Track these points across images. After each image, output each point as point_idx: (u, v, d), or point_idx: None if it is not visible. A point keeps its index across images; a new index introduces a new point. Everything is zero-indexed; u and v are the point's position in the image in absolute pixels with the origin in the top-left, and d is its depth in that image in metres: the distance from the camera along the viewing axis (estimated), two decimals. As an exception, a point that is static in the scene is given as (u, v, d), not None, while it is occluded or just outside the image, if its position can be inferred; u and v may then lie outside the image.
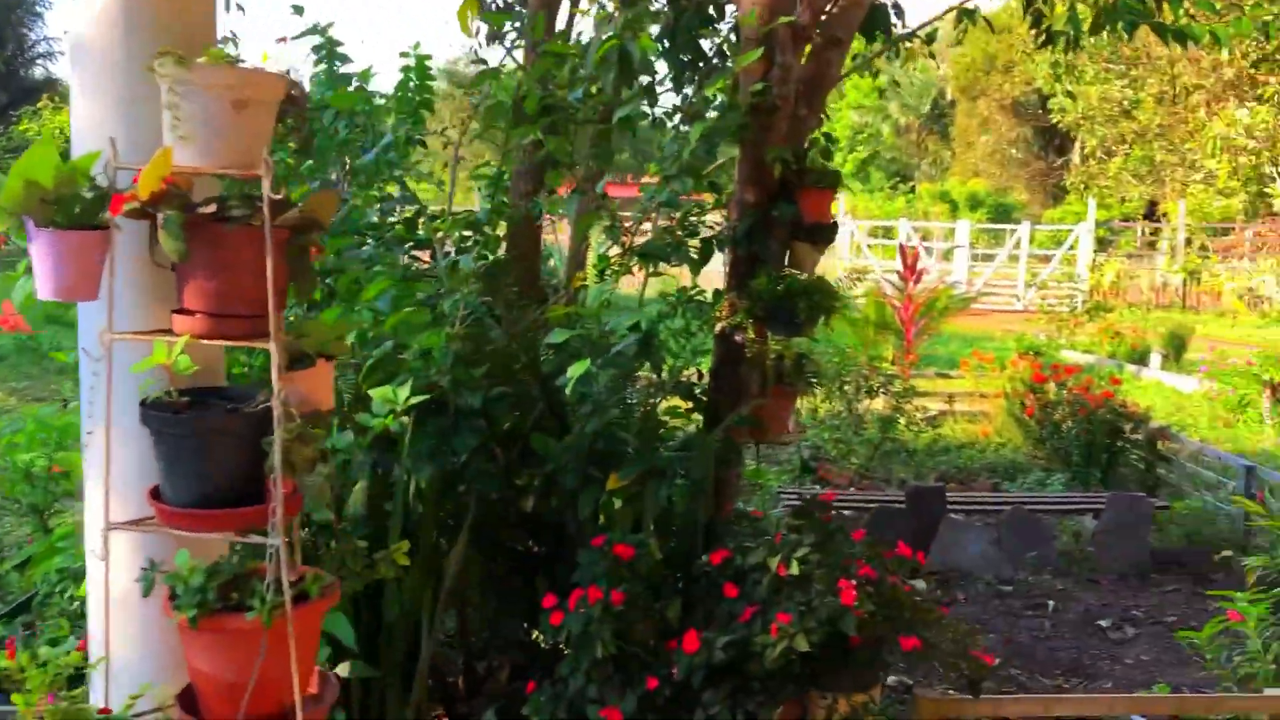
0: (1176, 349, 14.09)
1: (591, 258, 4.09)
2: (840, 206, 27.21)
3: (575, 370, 3.26)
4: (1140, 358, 14.46)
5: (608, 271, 3.83)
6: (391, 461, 3.39)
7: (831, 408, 9.24)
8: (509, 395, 3.38)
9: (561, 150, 4.10)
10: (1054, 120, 14.96)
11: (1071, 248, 23.03)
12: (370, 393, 3.07)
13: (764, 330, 4.02)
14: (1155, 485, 8.18)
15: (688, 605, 3.56)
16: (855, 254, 25.06)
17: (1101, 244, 26.03)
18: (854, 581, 3.33)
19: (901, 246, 10.92)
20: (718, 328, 4.12)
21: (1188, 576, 6.62)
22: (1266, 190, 9.89)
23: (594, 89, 4.07)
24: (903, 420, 10.24)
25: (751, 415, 4.16)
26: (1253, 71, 9.01)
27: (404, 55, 4.71)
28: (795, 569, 3.35)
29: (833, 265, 26.23)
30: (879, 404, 9.36)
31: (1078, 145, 18.17)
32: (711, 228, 4.14)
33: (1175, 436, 8.64)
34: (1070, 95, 11.06)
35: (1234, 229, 23.77)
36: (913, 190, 44.13)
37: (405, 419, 3.07)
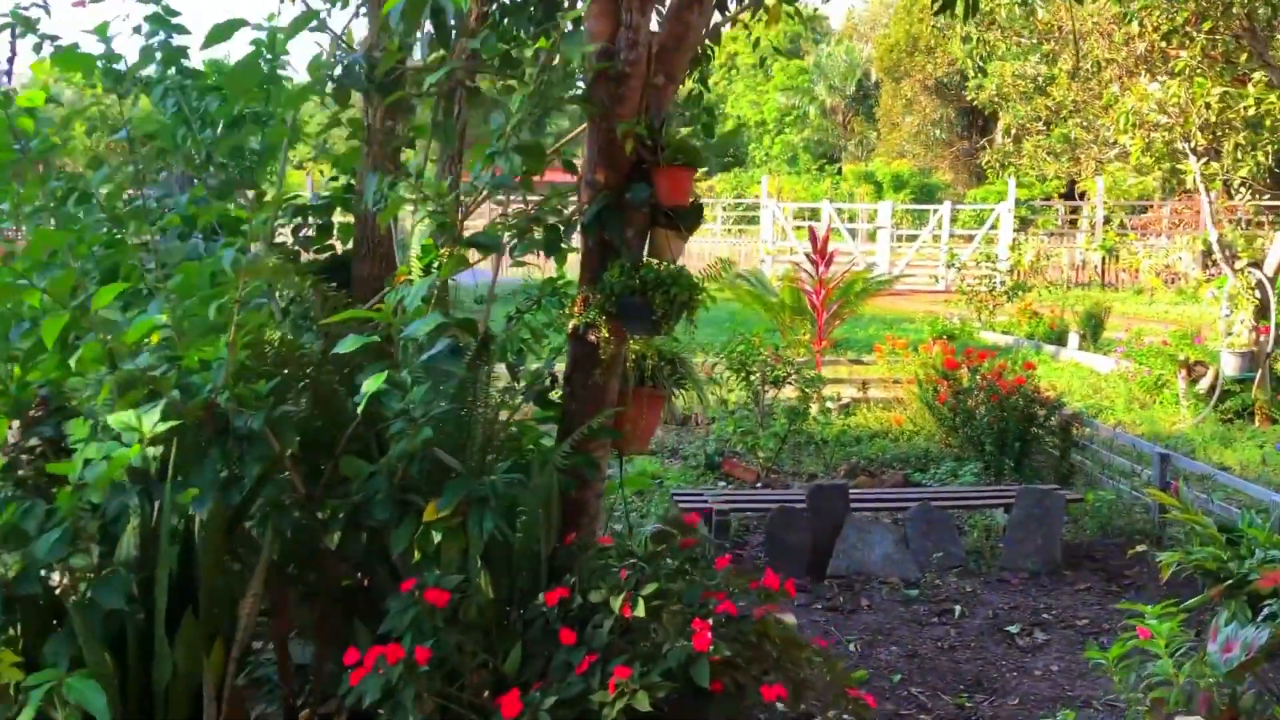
0: (1093, 329, 13.94)
1: (415, 248, 3.56)
2: (763, 188, 26.94)
3: (370, 385, 2.74)
4: (1058, 338, 14.31)
5: (435, 265, 3.31)
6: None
7: (738, 398, 8.83)
8: (292, 415, 2.85)
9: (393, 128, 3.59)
10: (969, 98, 14.66)
11: (993, 227, 22.97)
12: (109, 420, 2.52)
13: (619, 329, 3.54)
14: (1069, 474, 7.89)
15: (529, 653, 3.08)
16: (780, 236, 24.76)
17: (1024, 224, 26.06)
18: (711, 621, 2.88)
19: (811, 229, 10.54)
20: (569, 326, 3.64)
21: (1101, 572, 6.32)
22: (1179, 167, 9.62)
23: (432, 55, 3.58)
24: (813, 410, 9.90)
25: (613, 424, 3.70)
26: (1164, 45, 8.70)
27: (257, 28, 4.10)
28: (641, 610, 2.88)
29: (756, 248, 26.07)
30: (789, 393, 8.99)
31: (1000, 125, 17.97)
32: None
33: (1090, 422, 8.37)
34: (982, 71, 10.69)
35: (1151, 206, 23.90)
36: (839, 172, 44.08)
37: (155, 449, 2.54)
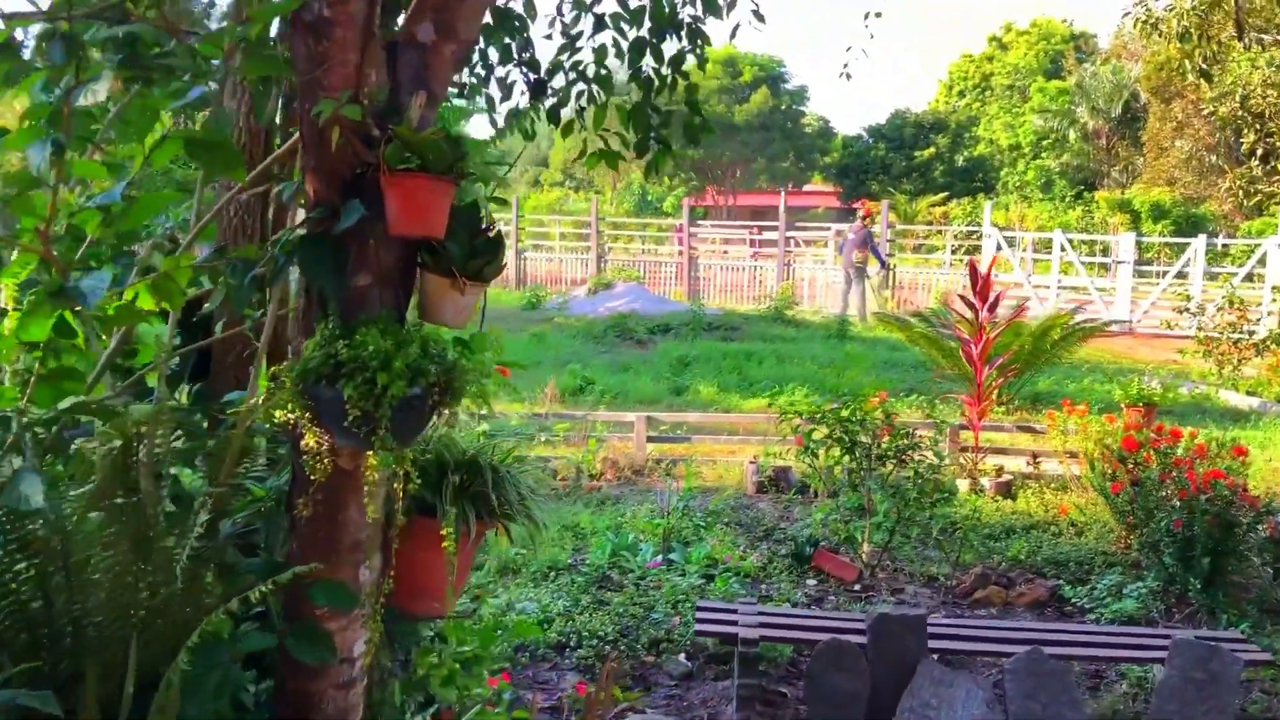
0: (1367, 396, 11.18)
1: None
2: (985, 214, 24.57)
3: None
4: (1320, 405, 11.62)
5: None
6: None
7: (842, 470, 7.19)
8: None
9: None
10: (1206, 111, 12.22)
11: (1260, 264, 19.67)
12: None
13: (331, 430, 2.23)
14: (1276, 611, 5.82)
15: None
16: (1001, 270, 22.33)
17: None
18: None
19: (971, 263, 8.68)
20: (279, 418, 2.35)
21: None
22: None
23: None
24: (962, 488, 8.11)
25: (392, 571, 2.39)
26: None
27: None
28: None
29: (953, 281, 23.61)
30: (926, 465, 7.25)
31: (1244, 144, 15.15)
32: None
33: (1316, 538, 6.21)
34: (1206, 78, 8.50)
35: None
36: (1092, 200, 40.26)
37: None
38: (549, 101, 4.01)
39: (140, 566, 2.24)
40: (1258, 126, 9.16)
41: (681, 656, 5.45)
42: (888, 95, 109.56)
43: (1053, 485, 8.41)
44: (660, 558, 6.66)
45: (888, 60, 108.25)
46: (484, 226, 2.33)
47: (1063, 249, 21.49)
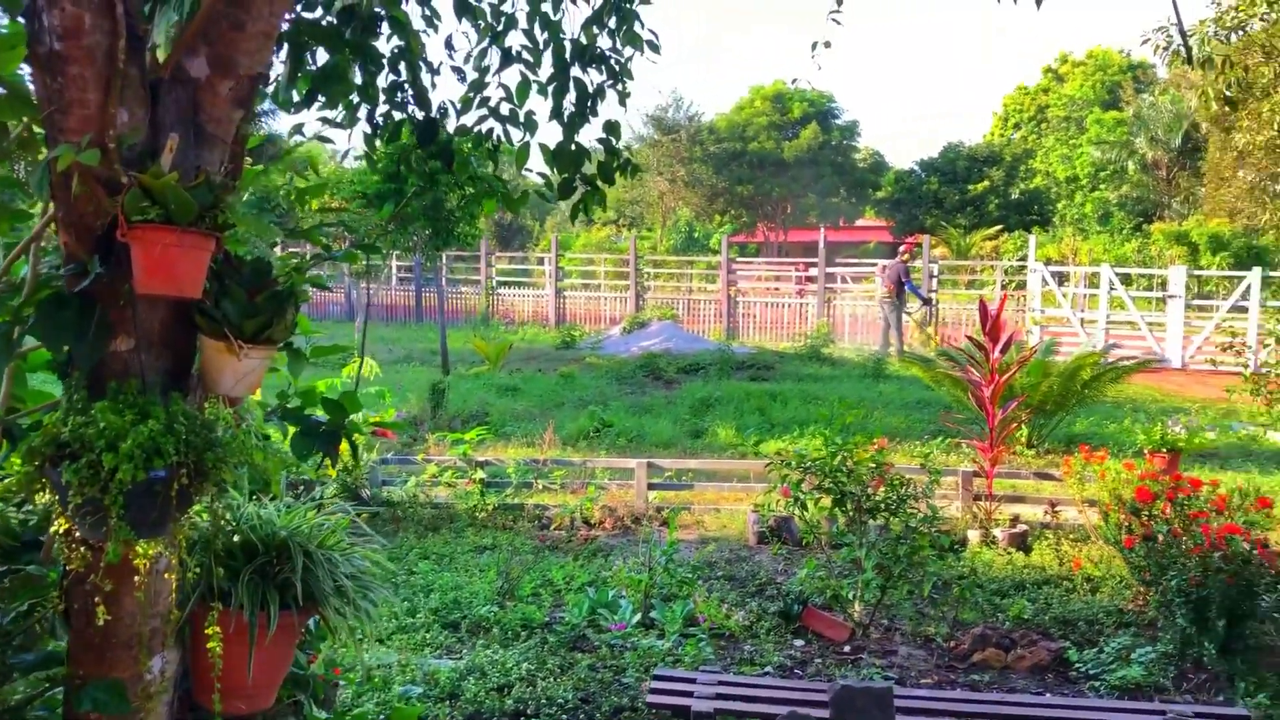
0: None
1: None
2: (1030, 247, 24.02)
3: None
4: (1373, 448, 10.95)
5: None
6: None
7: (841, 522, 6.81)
8: None
9: None
10: (1241, 143, 11.69)
11: (1319, 299, 18.86)
12: None
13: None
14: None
15: None
16: (1048, 304, 21.71)
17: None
18: None
19: (981, 302, 8.23)
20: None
21: None
22: None
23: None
24: (972, 539, 7.70)
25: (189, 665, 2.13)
26: None
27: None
28: None
29: (1025, 317, 22.98)
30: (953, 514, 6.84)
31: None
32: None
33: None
34: (1230, 105, 8.02)
35: None
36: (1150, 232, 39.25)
37: None
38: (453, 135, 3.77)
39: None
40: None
41: (642, 728, 5.12)
42: (943, 128, 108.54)
43: (1071, 536, 7.93)
44: (638, 616, 6.33)
45: (943, 95, 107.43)
46: (268, 281, 2.08)
47: (1111, 284, 20.80)
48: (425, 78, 3.46)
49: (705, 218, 47.17)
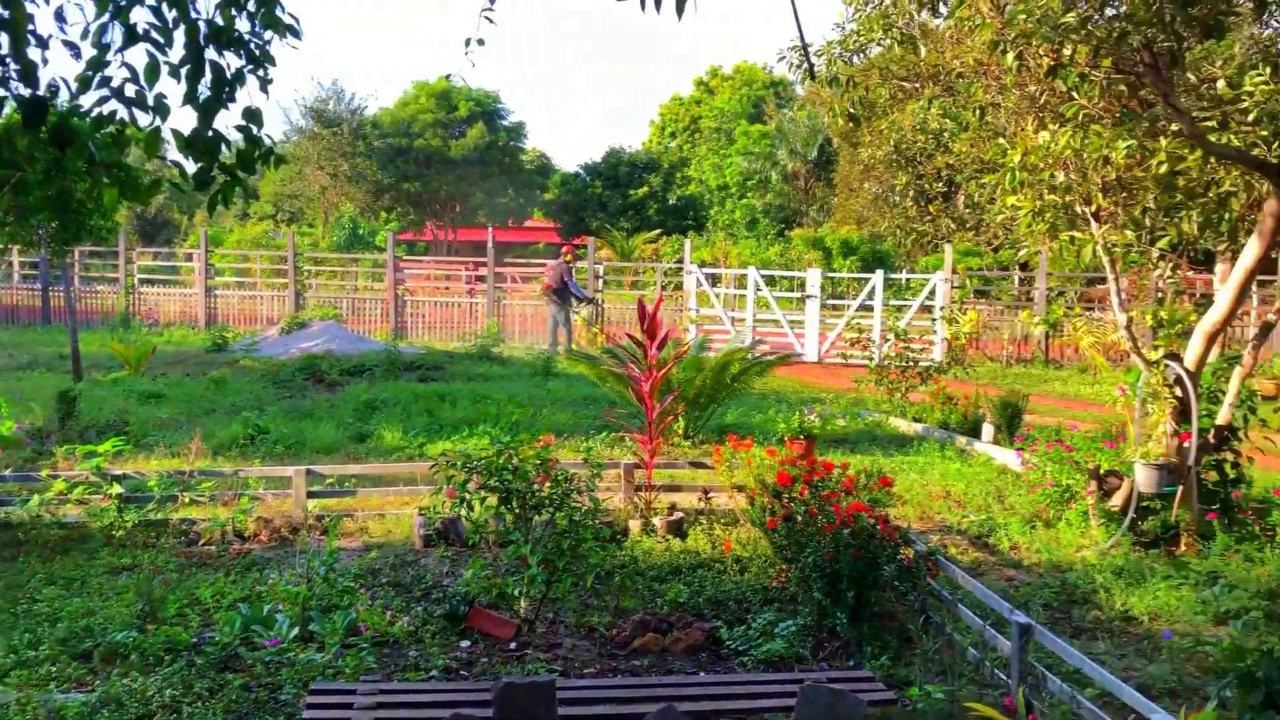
0: (1009, 418, 12.06)
1: None
2: (685, 251, 25.35)
3: None
4: (973, 428, 12.44)
5: None
6: None
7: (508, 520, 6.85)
8: None
9: None
10: (865, 156, 12.96)
11: (930, 298, 21.23)
12: None
13: None
14: (912, 639, 5.95)
15: None
16: (702, 304, 23.00)
17: (980, 294, 24.31)
18: None
19: (640, 302, 8.64)
20: None
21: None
22: (1078, 235, 7.81)
23: None
24: (634, 528, 7.99)
25: None
26: (1060, 86, 6.94)
27: None
28: None
29: (682, 316, 24.20)
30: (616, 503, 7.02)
31: (899, 184, 16.31)
32: None
33: (947, 564, 6.45)
34: (854, 121, 8.82)
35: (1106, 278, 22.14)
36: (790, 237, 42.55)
37: None
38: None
39: None
40: (909, 170, 9.72)
41: (300, 747, 4.89)
42: (604, 132, 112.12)
43: (722, 521, 8.44)
44: (296, 630, 6.05)
45: (602, 98, 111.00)
46: None
47: (758, 286, 22.36)
48: (33, 52, 3.11)
49: (370, 214, 45.92)
